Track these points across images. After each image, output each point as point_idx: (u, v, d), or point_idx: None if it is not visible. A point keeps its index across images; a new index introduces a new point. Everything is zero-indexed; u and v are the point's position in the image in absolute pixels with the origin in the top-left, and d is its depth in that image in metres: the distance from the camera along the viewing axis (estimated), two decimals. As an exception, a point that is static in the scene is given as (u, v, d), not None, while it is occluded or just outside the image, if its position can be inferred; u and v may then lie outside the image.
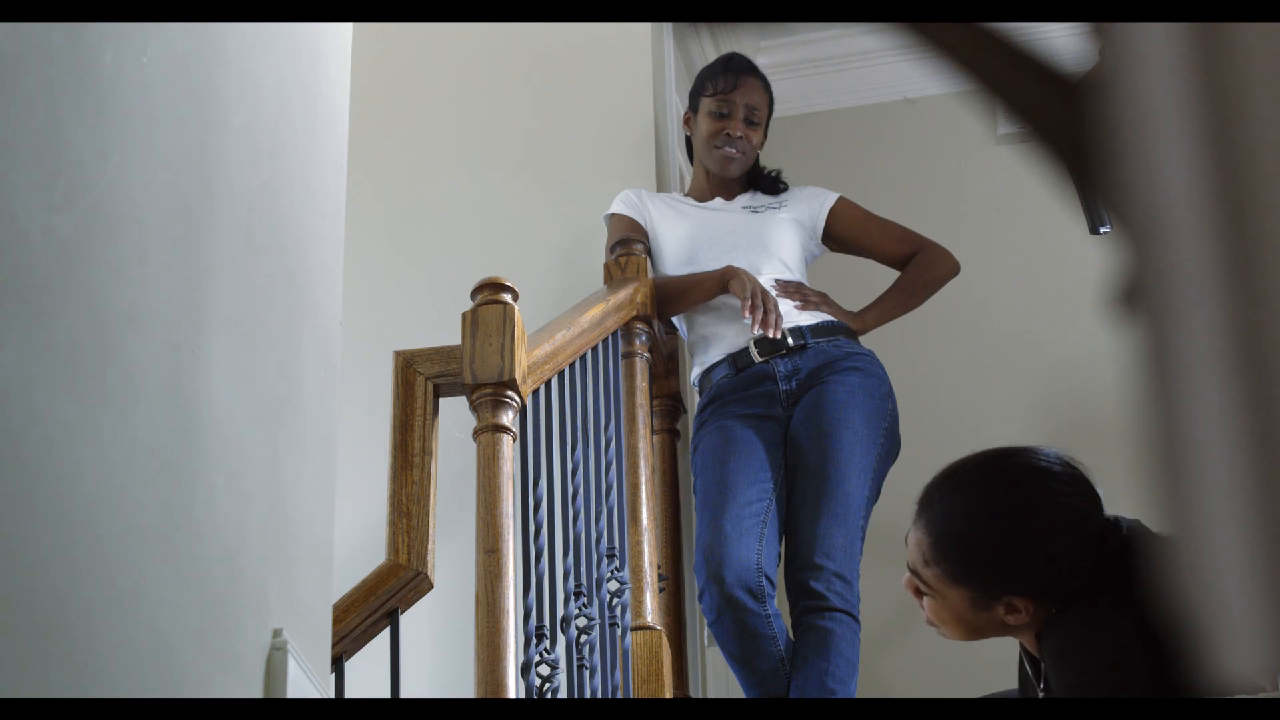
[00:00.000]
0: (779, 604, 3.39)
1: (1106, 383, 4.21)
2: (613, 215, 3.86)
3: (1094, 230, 3.32)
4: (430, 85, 4.33)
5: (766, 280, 3.66)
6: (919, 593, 2.21)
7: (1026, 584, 2.13)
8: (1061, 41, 1.05)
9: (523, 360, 2.88)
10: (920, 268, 3.83)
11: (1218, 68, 0.67)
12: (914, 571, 2.20)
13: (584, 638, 2.90)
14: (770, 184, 3.93)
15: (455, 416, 3.07)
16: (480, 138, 4.24)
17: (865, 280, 4.02)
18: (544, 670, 2.71)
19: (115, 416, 1.52)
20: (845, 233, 3.86)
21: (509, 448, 2.82)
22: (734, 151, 3.84)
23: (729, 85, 3.84)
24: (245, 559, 1.78)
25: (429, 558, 2.72)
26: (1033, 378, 4.58)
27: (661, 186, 4.11)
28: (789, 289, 3.68)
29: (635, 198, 3.87)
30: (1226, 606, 0.66)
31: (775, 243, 3.77)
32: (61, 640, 1.39)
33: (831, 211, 3.87)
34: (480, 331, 2.86)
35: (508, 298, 2.90)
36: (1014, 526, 2.14)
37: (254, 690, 1.76)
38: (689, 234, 3.80)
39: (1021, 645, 2.27)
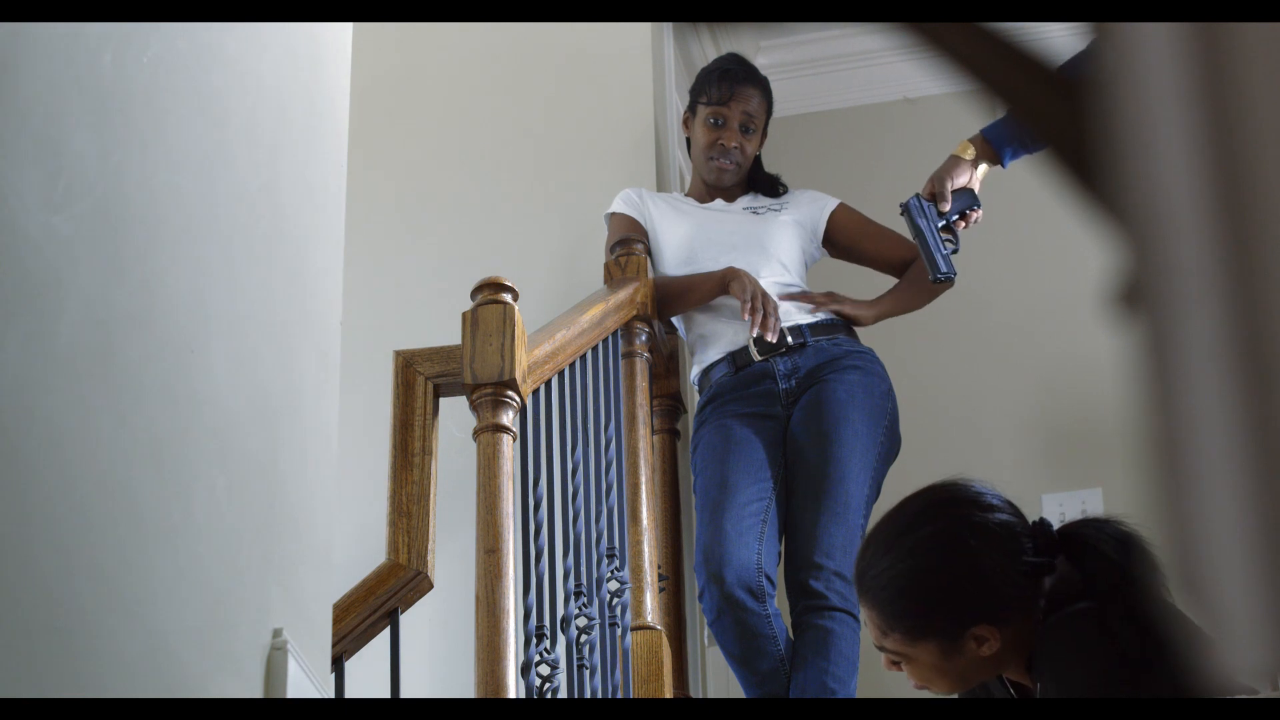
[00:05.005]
0: (779, 604, 3.39)
1: (1106, 382, 4.22)
2: (613, 214, 3.86)
3: (934, 278, 3.42)
4: (430, 85, 4.33)
5: (766, 282, 3.66)
6: (897, 665, 2.25)
7: (978, 610, 2.15)
8: (1061, 41, 1.05)
9: (523, 360, 2.88)
10: (920, 272, 3.82)
11: (1218, 68, 0.67)
12: (881, 648, 2.24)
13: (584, 638, 2.90)
14: (770, 186, 3.94)
15: (455, 416, 3.07)
16: (480, 137, 4.24)
17: (864, 281, 4.02)
18: (544, 670, 2.71)
19: (115, 416, 1.52)
20: (845, 238, 3.86)
21: (509, 448, 2.82)
22: (728, 164, 3.85)
23: (724, 96, 3.83)
24: (245, 559, 1.78)
25: (429, 558, 2.72)
26: (1032, 377, 4.58)
27: (661, 186, 4.11)
28: (796, 299, 3.69)
29: (636, 197, 3.87)
30: (1226, 606, 0.66)
31: (775, 245, 3.77)
32: (61, 640, 1.39)
33: (832, 216, 3.87)
34: (480, 331, 2.86)
35: (508, 298, 2.90)
36: (939, 562, 2.18)
37: (254, 690, 1.76)
38: (689, 234, 3.80)
39: (1007, 681, 2.27)
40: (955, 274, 3.49)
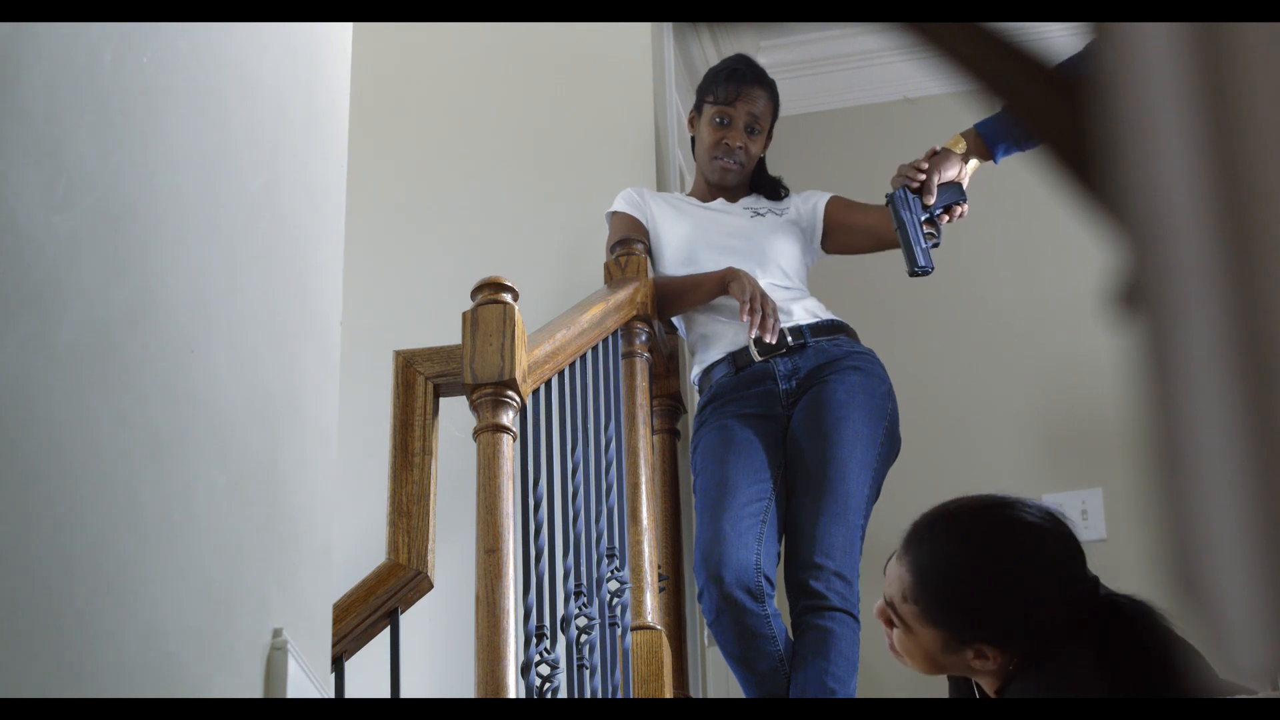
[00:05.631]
0: (779, 604, 3.39)
1: (1106, 383, 4.22)
2: (614, 213, 3.86)
3: (912, 270, 3.44)
4: (430, 85, 4.33)
5: (764, 286, 3.66)
6: (890, 623, 2.23)
7: (1000, 635, 2.15)
8: (1061, 41, 1.05)
9: (523, 360, 2.88)
10: None
11: (1218, 68, 0.67)
12: (890, 603, 2.22)
13: (584, 638, 2.90)
14: (772, 189, 3.94)
15: (455, 416, 3.07)
16: (480, 138, 4.24)
17: (863, 278, 4.02)
18: (544, 670, 2.71)
19: (115, 416, 1.52)
20: (839, 222, 3.83)
21: (509, 448, 2.82)
22: (732, 164, 3.84)
23: (730, 96, 3.83)
24: (245, 559, 1.78)
25: (429, 558, 2.72)
26: (1032, 378, 4.58)
27: (661, 186, 4.11)
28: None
29: (637, 196, 3.87)
30: (1226, 607, 0.66)
31: (775, 249, 3.76)
32: (61, 640, 1.39)
33: (827, 206, 3.86)
34: (480, 331, 2.86)
35: (508, 298, 2.90)
36: (999, 580, 2.16)
37: (254, 690, 1.76)
38: (689, 234, 3.80)
39: (977, 685, 2.27)
40: (933, 268, 3.50)
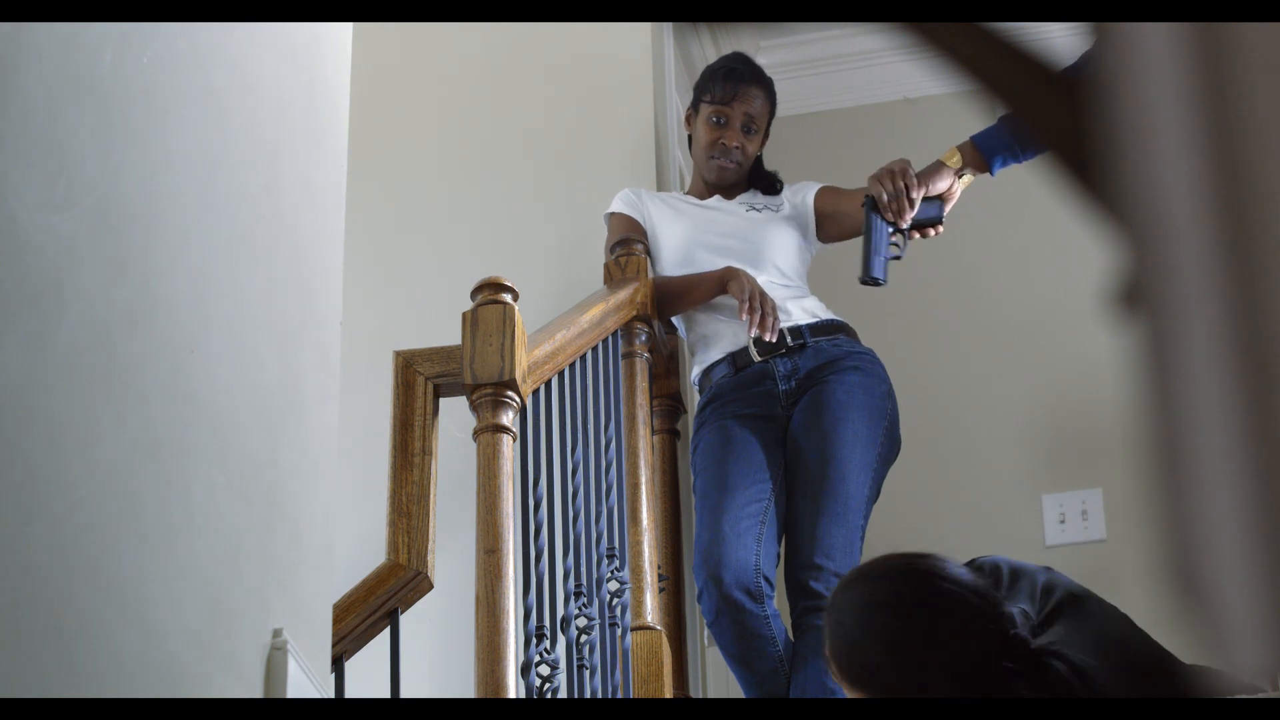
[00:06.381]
0: (779, 604, 3.39)
1: (1106, 383, 4.22)
2: (612, 214, 3.86)
3: (863, 279, 3.46)
4: (430, 85, 4.33)
5: (763, 283, 3.66)
6: None
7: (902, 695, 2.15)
8: (1061, 41, 1.05)
9: (523, 360, 2.88)
10: None
11: (1218, 68, 0.67)
12: (823, 656, 2.28)
13: (584, 638, 2.90)
14: (769, 184, 3.93)
15: (455, 416, 3.07)
16: (480, 138, 4.24)
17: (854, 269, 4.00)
18: (544, 670, 2.71)
19: (115, 416, 1.52)
20: (828, 210, 3.83)
21: (509, 448, 2.82)
22: (729, 163, 3.84)
23: (727, 95, 3.83)
24: (245, 559, 1.78)
25: (429, 558, 2.72)
26: (1032, 378, 4.59)
27: (661, 186, 4.11)
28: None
29: (635, 196, 3.87)
30: (1226, 606, 0.66)
31: (772, 247, 3.76)
32: (61, 640, 1.39)
33: (815, 199, 3.86)
34: (480, 331, 2.86)
35: (508, 298, 2.90)
36: (899, 652, 2.15)
37: (254, 690, 1.76)
38: (686, 235, 3.80)
39: None
40: (885, 281, 3.51)
